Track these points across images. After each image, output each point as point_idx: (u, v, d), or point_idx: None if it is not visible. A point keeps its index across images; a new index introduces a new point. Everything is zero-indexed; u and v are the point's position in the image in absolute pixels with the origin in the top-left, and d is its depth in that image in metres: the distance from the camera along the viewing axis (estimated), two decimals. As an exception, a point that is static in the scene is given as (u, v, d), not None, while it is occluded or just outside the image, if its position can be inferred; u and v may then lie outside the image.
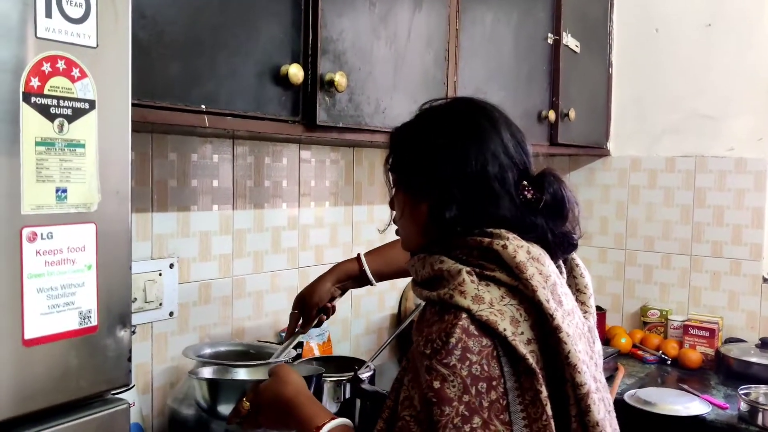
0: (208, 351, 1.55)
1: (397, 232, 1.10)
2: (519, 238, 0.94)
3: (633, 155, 2.59)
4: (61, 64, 0.69)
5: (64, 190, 0.69)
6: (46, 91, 0.68)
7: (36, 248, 0.68)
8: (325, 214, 2.01)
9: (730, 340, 2.36)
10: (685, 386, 2.06)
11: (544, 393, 0.86)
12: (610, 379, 2.09)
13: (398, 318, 2.29)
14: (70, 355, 0.72)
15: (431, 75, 1.73)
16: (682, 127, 2.48)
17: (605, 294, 2.63)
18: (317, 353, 1.89)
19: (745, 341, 2.33)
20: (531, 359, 0.86)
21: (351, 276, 1.58)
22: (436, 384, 0.83)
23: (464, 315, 0.86)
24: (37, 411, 0.69)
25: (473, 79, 1.86)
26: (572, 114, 2.24)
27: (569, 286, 1.03)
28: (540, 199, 0.99)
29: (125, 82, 0.76)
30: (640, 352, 2.38)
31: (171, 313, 1.61)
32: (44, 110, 0.68)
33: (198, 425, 1.38)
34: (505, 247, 0.91)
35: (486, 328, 0.86)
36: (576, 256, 1.08)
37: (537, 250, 0.94)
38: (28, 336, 0.68)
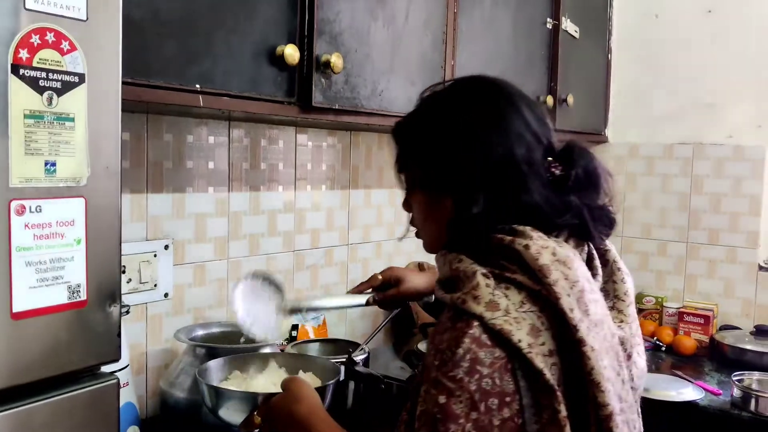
0: (200, 333, 1.55)
1: (417, 235, 1.03)
2: (544, 237, 0.86)
3: (631, 142, 2.58)
4: (50, 37, 0.69)
5: (53, 164, 0.69)
6: (35, 64, 0.67)
7: (24, 221, 0.68)
8: (322, 198, 2.01)
9: (725, 327, 2.37)
10: (679, 372, 2.07)
11: (563, 413, 0.78)
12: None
13: (394, 302, 2.28)
14: (60, 329, 0.72)
15: (429, 58, 1.73)
16: (681, 114, 2.47)
17: (601, 281, 2.63)
18: (312, 336, 1.89)
19: (740, 329, 2.34)
20: (548, 374, 0.78)
21: None
22: (442, 399, 0.77)
23: (476, 323, 0.79)
24: (27, 384, 0.70)
25: (471, 62, 1.85)
26: (570, 100, 2.23)
27: (606, 291, 0.95)
28: (569, 175, 0.91)
29: (115, 56, 0.76)
30: (635, 339, 2.39)
31: (166, 295, 1.61)
32: (33, 83, 0.68)
33: (189, 408, 1.39)
34: (527, 247, 0.83)
35: (500, 338, 0.78)
36: (619, 259, 0.99)
37: (564, 252, 0.85)
38: (16, 309, 0.68)
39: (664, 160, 2.52)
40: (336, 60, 1.39)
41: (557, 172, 0.92)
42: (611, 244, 1.00)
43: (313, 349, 1.75)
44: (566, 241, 0.91)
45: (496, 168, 0.89)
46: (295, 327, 1.84)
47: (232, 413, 1.17)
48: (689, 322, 2.36)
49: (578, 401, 0.81)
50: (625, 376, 0.87)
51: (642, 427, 0.94)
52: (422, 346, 1.81)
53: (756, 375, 1.93)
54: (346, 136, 2.06)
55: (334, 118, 1.50)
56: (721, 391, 1.91)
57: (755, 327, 2.24)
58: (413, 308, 2.25)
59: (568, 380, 0.81)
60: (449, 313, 0.84)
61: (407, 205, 1.03)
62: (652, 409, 1.88)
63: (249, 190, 1.80)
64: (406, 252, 2.32)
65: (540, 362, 0.78)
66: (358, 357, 1.59)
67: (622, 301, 0.96)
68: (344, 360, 1.56)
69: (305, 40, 1.37)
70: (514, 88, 0.98)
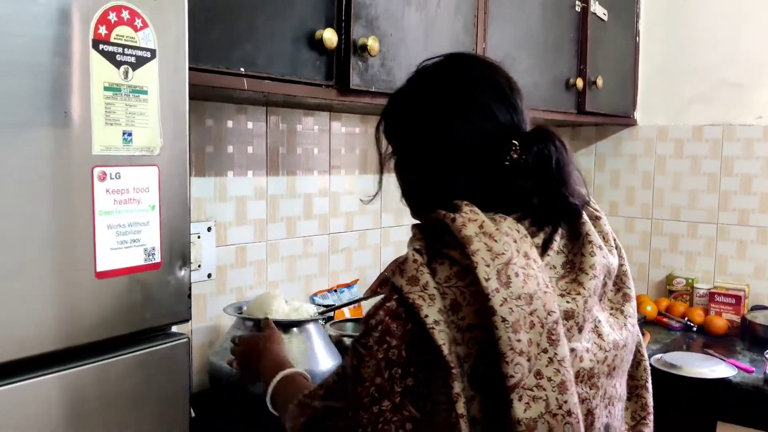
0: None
1: None
2: (476, 211, 0.86)
3: (660, 124, 2.59)
4: (125, 14, 0.73)
5: (130, 134, 0.74)
6: (112, 39, 0.72)
7: (106, 187, 0.72)
8: (355, 182, 2.05)
9: (756, 307, 2.37)
10: (711, 351, 2.08)
11: (456, 389, 0.79)
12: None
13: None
14: (136, 289, 0.77)
15: (460, 41, 1.75)
16: (710, 96, 2.47)
17: (631, 263, 2.61)
18: (348, 315, 1.94)
19: (772, 308, 2.34)
20: (447, 350, 0.79)
21: None
22: (355, 362, 0.83)
23: (395, 296, 0.83)
24: (107, 339, 0.75)
25: (502, 45, 1.88)
26: (600, 82, 2.25)
27: (572, 263, 0.92)
28: (526, 160, 0.91)
29: (182, 33, 0.80)
30: (665, 320, 2.40)
31: (209, 275, 1.67)
32: (111, 57, 0.72)
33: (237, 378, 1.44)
34: (454, 220, 0.84)
35: (411, 311, 0.81)
36: (593, 232, 0.94)
37: (494, 226, 0.84)
38: (100, 269, 0.73)
39: (693, 142, 2.52)
40: (372, 43, 1.43)
41: (515, 156, 0.92)
42: (594, 218, 0.98)
43: (350, 328, 1.80)
44: (521, 221, 0.90)
45: (437, 149, 0.93)
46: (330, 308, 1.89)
47: None
48: (720, 303, 2.37)
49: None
50: (558, 354, 0.82)
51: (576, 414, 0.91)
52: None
53: (789, 352, 1.94)
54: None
55: (370, 101, 1.54)
56: (753, 369, 1.93)
57: (787, 306, 2.25)
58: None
59: (491, 353, 0.80)
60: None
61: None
62: (685, 386, 1.91)
63: (286, 174, 1.85)
64: (437, 236, 2.35)
65: (442, 338, 0.79)
66: None
67: (585, 273, 0.91)
68: None
69: (342, 24, 1.41)
70: (487, 71, 0.98)
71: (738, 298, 2.34)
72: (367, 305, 2.08)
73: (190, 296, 0.82)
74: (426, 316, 0.80)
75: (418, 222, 0.94)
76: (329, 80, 1.41)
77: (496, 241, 0.82)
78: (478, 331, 0.80)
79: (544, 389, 0.81)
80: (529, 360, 0.80)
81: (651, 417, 1.03)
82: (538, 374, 0.81)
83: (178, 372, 0.81)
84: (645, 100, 2.61)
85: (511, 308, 0.80)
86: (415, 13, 1.60)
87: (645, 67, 2.60)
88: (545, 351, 0.82)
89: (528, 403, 0.80)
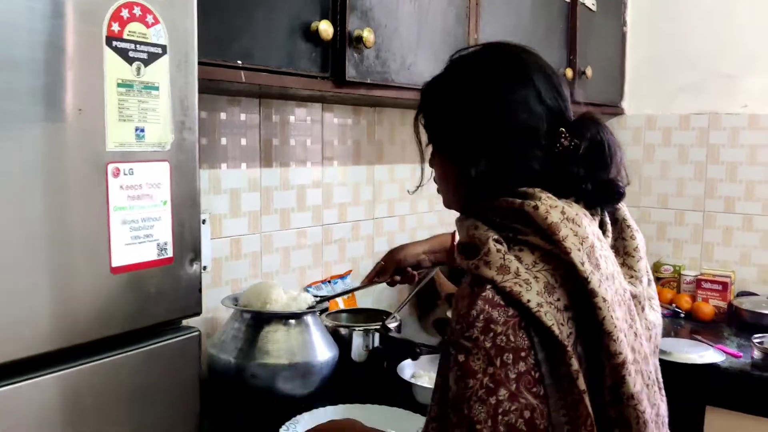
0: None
1: (438, 191, 1.07)
2: (553, 197, 0.88)
3: (648, 113, 2.62)
4: (137, 11, 0.73)
5: (142, 130, 0.74)
6: (125, 36, 0.72)
7: (120, 183, 0.73)
8: (348, 173, 2.06)
9: (742, 293, 2.42)
10: (699, 337, 2.12)
11: (575, 366, 0.81)
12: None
13: (418, 275, 2.34)
14: (150, 284, 0.77)
15: (453, 32, 1.76)
16: (696, 86, 2.51)
17: (619, 251, 2.67)
18: (342, 306, 1.95)
19: (758, 294, 2.39)
20: (558, 330, 0.81)
21: (444, 248, 1.55)
22: (461, 358, 0.82)
23: (489, 286, 0.83)
24: (121, 334, 0.75)
25: (493, 36, 1.88)
26: (589, 72, 2.27)
27: (616, 248, 0.97)
28: (578, 146, 0.92)
29: (192, 29, 0.81)
30: (653, 306, 2.44)
31: (205, 267, 1.66)
32: (124, 54, 0.72)
33: (236, 370, 1.45)
34: (536, 208, 0.85)
35: (510, 298, 0.82)
36: (629, 217, 1.01)
37: (572, 210, 0.88)
38: (115, 264, 0.73)
39: (680, 130, 2.55)
40: (368, 35, 1.43)
41: (566, 143, 0.93)
42: (621, 203, 1.02)
43: (345, 319, 1.81)
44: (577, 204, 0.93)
45: (494, 134, 0.93)
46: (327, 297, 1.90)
47: None
48: (707, 289, 2.41)
49: (594, 352, 0.84)
50: (638, 330, 0.89)
51: (661, 379, 0.98)
52: (450, 314, 1.86)
53: (775, 337, 1.99)
54: (371, 113, 2.10)
55: (365, 93, 1.54)
56: (741, 354, 1.97)
57: (772, 292, 2.29)
58: (437, 279, 2.31)
59: (584, 333, 0.84)
60: (468, 279, 0.88)
61: (431, 161, 1.07)
62: (674, 372, 1.94)
63: (279, 166, 1.85)
64: (428, 225, 2.37)
65: (550, 319, 0.81)
66: (392, 324, 1.65)
67: (632, 257, 0.97)
68: (378, 327, 1.62)
69: (338, 16, 1.41)
70: (532, 57, 0.99)
71: (724, 285, 2.38)
72: (360, 295, 2.10)
73: (200, 290, 0.82)
74: (528, 300, 0.81)
75: (462, 214, 0.96)
76: (325, 72, 1.42)
77: (578, 225, 0.86)
78: (573, 311, 0.83)
79: (638, 362, 0.86)
80: (625, 336, 0.84)
81: (663, 392, 1.06)
82: (632, 349, 0.86)
83: (190, 365, 0.81)
84: (633, 90, 2.64)
85: (606, 288, 0.83)
86: (408, 4, 1.61)
87: (632, 56, 2.63)
88: (631, 326, 0.87)
89: (635, 377, 0.84)
